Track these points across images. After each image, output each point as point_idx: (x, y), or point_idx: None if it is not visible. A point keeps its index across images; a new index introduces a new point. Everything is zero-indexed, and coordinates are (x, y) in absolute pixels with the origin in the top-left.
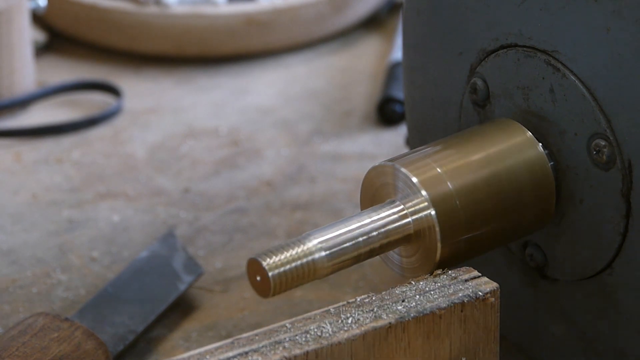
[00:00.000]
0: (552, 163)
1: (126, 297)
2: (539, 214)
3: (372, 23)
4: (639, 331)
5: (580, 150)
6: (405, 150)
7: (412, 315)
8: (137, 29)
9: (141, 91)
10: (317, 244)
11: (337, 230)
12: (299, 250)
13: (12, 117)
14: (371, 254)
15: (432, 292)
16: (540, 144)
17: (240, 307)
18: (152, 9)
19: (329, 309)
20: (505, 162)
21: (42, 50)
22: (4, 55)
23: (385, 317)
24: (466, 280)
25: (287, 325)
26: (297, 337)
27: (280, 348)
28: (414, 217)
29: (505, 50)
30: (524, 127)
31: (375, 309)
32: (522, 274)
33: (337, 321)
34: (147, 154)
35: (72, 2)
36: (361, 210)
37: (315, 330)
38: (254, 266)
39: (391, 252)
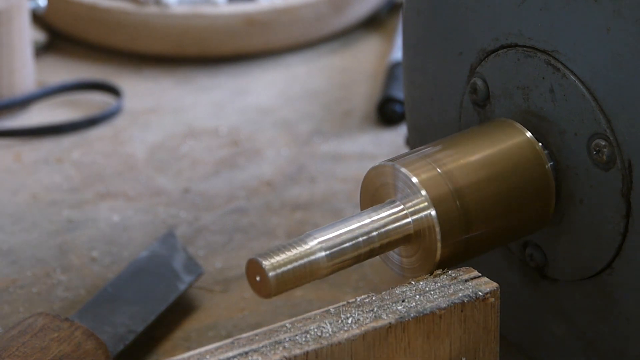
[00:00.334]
0: (552, 163)
1: (126, 297)
2: (539, 214)
3: (372, 23)
4: (639, 331)
5: (580, 150)
6: (405, 150)
7: (412, 315)
8: (137, 29)
9: (141, 91)
10: (317, 244)
11: (337, 230)
12: (299, 250)
13: (12, 117)
14: (371, 254)
15: (432, 292)
16: (540, 144)
17: (240, 307)
18: (152, 9)
19: (329, 309)
20: (505, 162)
21: (42, 50)
22: (4, 55)
23: (385, 317)
24: (466, 280)
25: (287, 325)
26: (297, 337)
27: (280, 348)
28: (414, 217)
29: (505, 50)
30: (524, 127)
31: (375, 309)
32: (522, 274)
33: (337, 321)
34: (147, 154)
35: (72, 2)
36: (361, 210)
37: (315, 330)
38: (254, 266)
39: (391, 252)
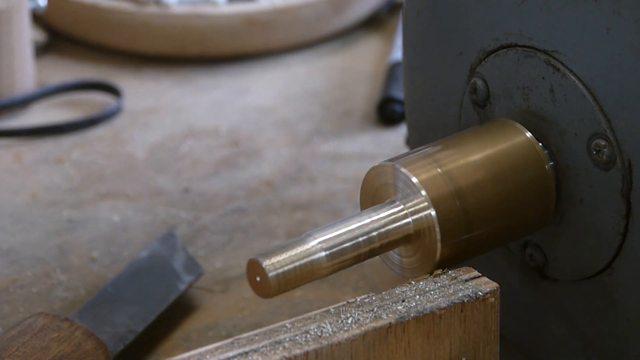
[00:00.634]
0: (552, 163)
1: (126, 297)
2: (539, 214)
3: (372, 23)
4: (639, 331)
5: (580, 150)
6: (405, 150)
7: (412, 315)
8: (137, 29)
9: (141, 91)
10: (317, 244)
11: (337, 230)
12: (299, 250)
13: (12, 117)
14: (371, 254)
15: (432, 292)
16: (540, 144)
17: (240, 307)
18: (152, 9)
19: (329, 309)
20: (505, 162)
21: (42, 50)
22: (4, 55)
23: (385, 317)
24: (466, 280)
25: (287, 325)
26: (297, 337)
27: (280, 348)
28: (414, 217)
29: (505, 50)
30: (524, 127)
31: (375, 309)
32: (522, 274)
33: (337, 321)
34: (147, 154)
35: (72, 2)
36: (361, 210)
37: (315, 330)
38: (254, 267)
39: (391, 252)
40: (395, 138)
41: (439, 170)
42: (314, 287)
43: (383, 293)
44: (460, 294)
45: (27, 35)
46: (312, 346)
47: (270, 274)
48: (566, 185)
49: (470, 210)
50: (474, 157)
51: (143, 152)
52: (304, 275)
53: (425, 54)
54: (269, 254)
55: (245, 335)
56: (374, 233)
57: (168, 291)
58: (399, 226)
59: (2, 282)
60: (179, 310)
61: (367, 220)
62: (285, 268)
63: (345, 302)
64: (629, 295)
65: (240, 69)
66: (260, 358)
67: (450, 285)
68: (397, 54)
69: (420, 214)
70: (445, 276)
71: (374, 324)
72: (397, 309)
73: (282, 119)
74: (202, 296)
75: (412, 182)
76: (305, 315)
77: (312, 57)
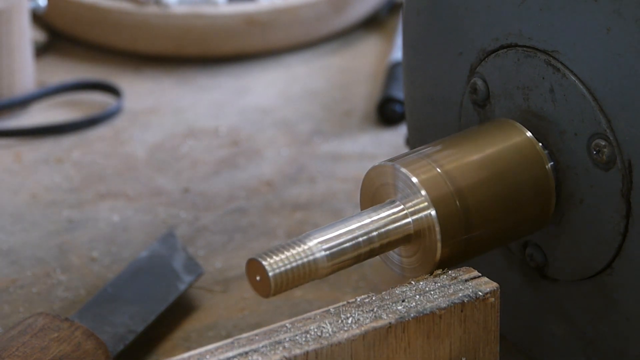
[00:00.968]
0: (552, 163)
1: (126, 297)
2: (539, 214)
3: (372, 23)
4: (639, 331)
5: (580, 150)
6: (405, 150)
7: (412, 315)
8: (137, 29)
9: (141, 91)
10: (317, 244)
11: (337, 230)
12: (299, 250)
13: (12, 117)
14: (371, 254)
15: (432, 292)
16: (540, 144)
17: (240, 307)
18: (152, 9)
19: (329, 309)
20: (505, 162)
21: (42, 50)
22: (4, 55)
23: (385, 317)
24: (466, 280)
25: (287, 325)
26: (297, 337)
27: (281, 348)
28: (414, 217)
29: (505, 50)
30: (524, 127)
31: (375, 309)
32: (522, 274)
33: (337, 321)
34: (147, 154)
35: (72, 2)
36: (361, 210)
37: (315, 330)
38: (254, 266)
39: (391, 252)
40: (395, 138)
41: (439, 170)
42: (314, 287)
43: (383, 293)
44: (460, 294)
45: (27, 35)
46: (312, 346)
47: (270, 274)
48: (566, 185)
49: (470, 210)
50: (474, 157)
51: (143, 152)
52: (304, 275)
53: (425, 54)
54: (268, 253)
55: (245, 335)
56: (374, 233)
57: (168, 291)
58: (399, 226)
59: (2, 282)
60: (179, 310)
61: (367, 220)
62: (285, 268)
63: (345, 302)
64: (629, 295)
65: (240, 69)
66: (260, 358)
67: (450, 285)
68: (397, 54)
69: (420, 214)
70: (445, 276)
71: (374, 324)
72: (397, 309)
73: (282, 119)
74: (202, 296)
75: (412, 182)
76: (305, 316)
77: (312, 57)
